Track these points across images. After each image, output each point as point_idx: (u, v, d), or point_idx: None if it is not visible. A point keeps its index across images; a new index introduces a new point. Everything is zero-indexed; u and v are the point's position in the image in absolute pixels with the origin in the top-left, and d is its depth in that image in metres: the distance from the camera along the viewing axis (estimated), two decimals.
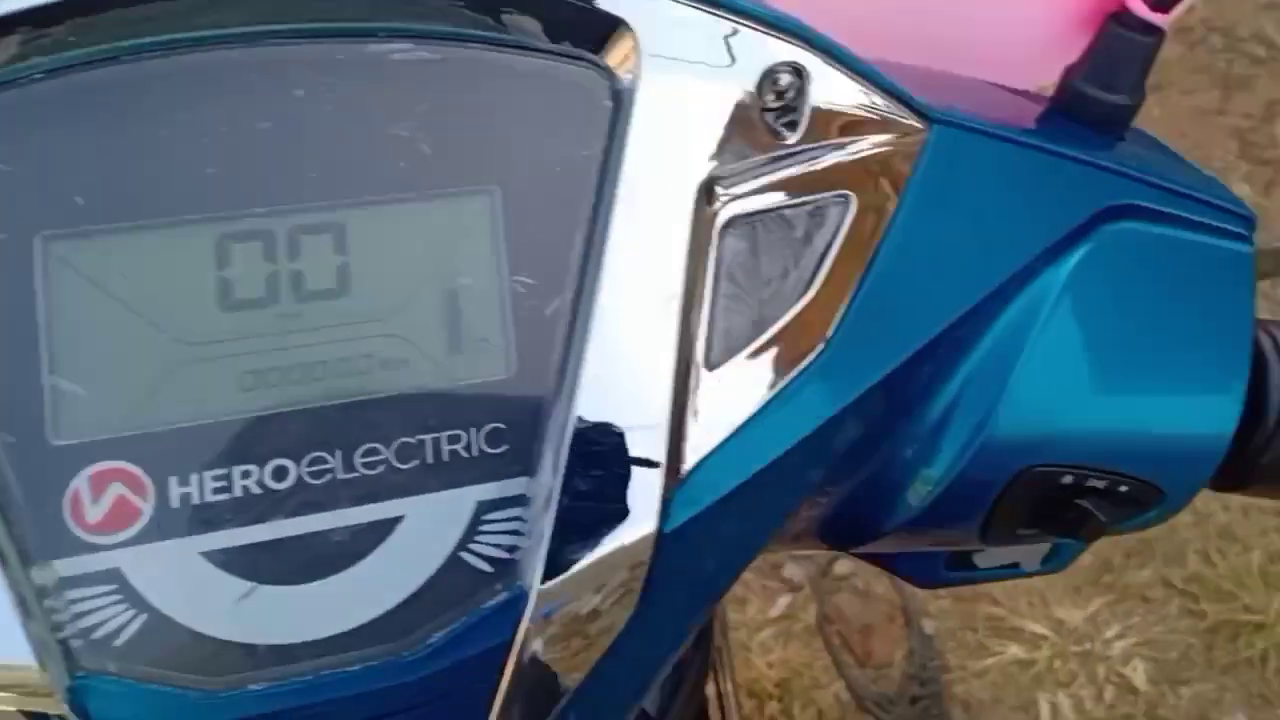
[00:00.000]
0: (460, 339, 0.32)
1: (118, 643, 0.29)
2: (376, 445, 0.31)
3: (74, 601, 0.29)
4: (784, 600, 1.72)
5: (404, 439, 0.32)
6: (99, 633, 0.29)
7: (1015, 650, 1.62)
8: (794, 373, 0.34)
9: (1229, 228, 0.38)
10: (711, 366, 0.33)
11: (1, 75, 0.29)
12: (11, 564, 0.28)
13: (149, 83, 0.30)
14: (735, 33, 0.33)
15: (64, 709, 0.28)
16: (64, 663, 0.29)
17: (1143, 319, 0.37)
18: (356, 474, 0.31)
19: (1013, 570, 0.44)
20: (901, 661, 1.65)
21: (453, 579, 0.32)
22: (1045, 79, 0.39)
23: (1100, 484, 0.38)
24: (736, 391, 0.33)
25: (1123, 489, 0.38)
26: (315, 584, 0.31)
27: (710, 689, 1.04)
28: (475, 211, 0.32)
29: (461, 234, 0.32)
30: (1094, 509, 0.38)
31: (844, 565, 1.74)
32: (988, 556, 0.44)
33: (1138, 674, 1.59)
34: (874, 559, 0.43)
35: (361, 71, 0.32)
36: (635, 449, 0.32)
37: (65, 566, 0.29)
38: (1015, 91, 0.41)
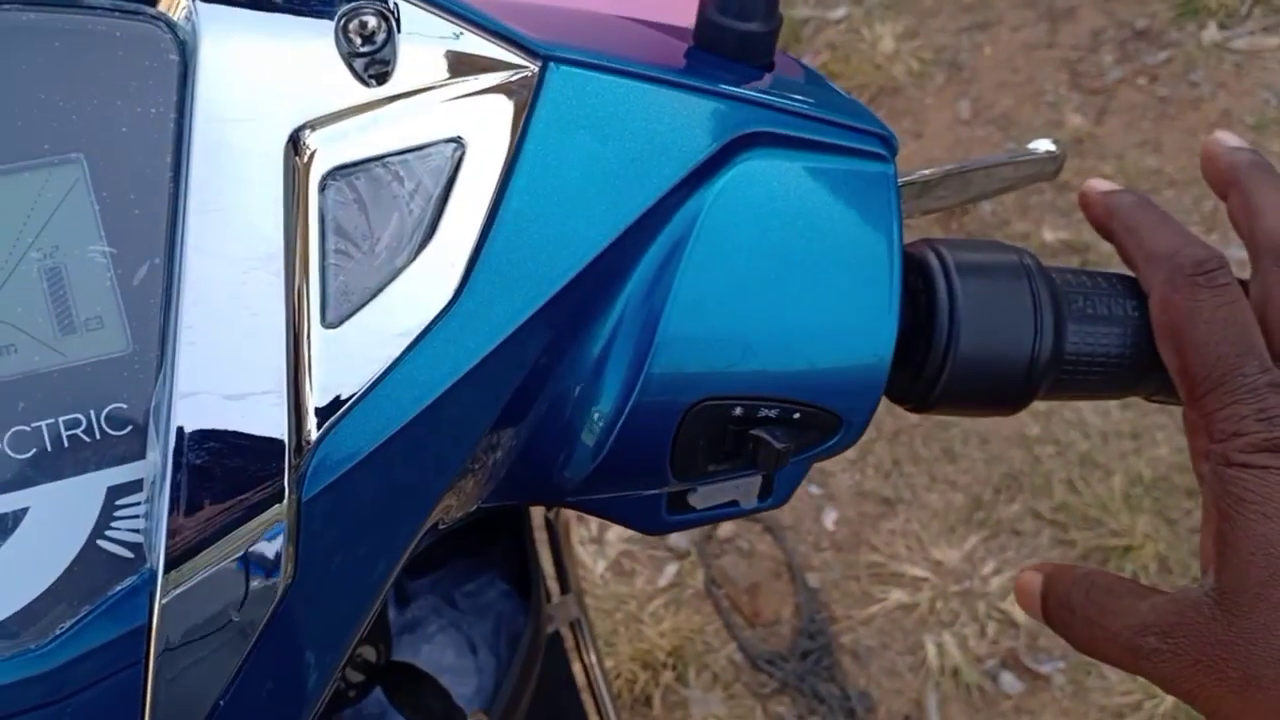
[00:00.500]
0: (71, 318, 0.31)
1: None
2: None
3: None
4: (671, 569, 1.73)
5: (19, 427, 0.31)
6: None
7: (898, 595, 1.66)
8: (425, 325, 0.33)
9: (870, 149, 0.38)
10: (330, 325, 0.32)
11: None
12: None
13: None
14: None
15: None
16: None
17: (789, 246, 0.37)
18: None
19: (733, 509, 0.44)
20: (790, 618, 1.68)
21: (93, 568, 0.31)
22: (688, 15, 0.40)
23: (772, 413, 0.38)
24: (363, 349, 0.33)
25: (796, 416, 0.39)
26: None
27: (576, 666, 1.04)
28: (65, 181, 0.31)
29: (54, 206, 0.31)
30: (770, 438, 0.38)
31: (727, 528, 1.75)
32: (702, 497, 0.44)
33: (1016, 608, 1.64)
34: (590, 509, 0.43)
35: None
36: (251, 416, 0.31)
37: None
38: (660, 28, 0.41)
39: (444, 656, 0.74)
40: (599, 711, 0.99)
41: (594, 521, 1.73)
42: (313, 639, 0.34)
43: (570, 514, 1.11)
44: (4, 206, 0.31)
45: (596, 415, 0.37)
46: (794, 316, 0.38)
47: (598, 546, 1.75)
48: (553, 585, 0.97)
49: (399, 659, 0.62)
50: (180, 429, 0.30)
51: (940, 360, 0.40)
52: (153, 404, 0.31)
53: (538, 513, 0.91)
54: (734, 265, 0.37)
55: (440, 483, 0.35)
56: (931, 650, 1.60)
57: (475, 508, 0.40)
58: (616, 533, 1.75)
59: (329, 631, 0.34)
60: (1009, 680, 1.58)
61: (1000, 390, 0.41)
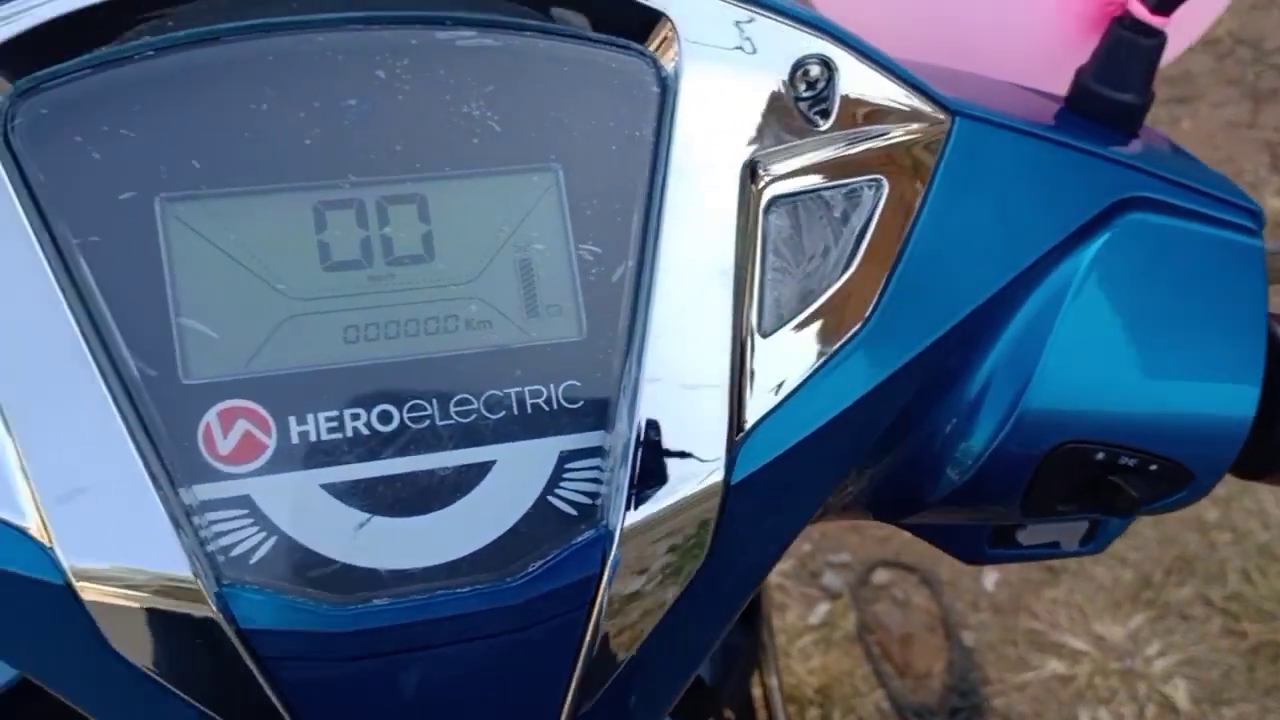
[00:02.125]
0: (536, 303, 0.36)
1: (252, 560, 0.33)
2: (468, 396, 0.35)
3: (214, 522, 0.33)
4: (823, 608, 1.74)
5: (492, 391, 0.36)
6: (236, 551, 0.33)
7: (1055, 665, 1.64)
8: (841, 342, 0.37)
9: (1238, 221, 0.41)
10: (764, 334, 0.37)
11: (119, 52, 0.34)
12: (164, 486, 0.32)
13: (248, 61, 0.34)
14: (767, 26, 0.37)
15: (215, 615, 0.32)
16: (212, 573, 0.33)
17: (1161, 305, 0.40)
18: (452, 421, 0.35)
19: (1053, 549, 0.47)
20: (941, 673, 1.67)
21: (541, 519, 0.35)
22: (1058, 80, 0.43)
23: (1131, 462, 0.41)
24: (788, 358, 0.37)
25: (1153, 468, 0.41)
26: (421, 518, 0.35)
27: (756, 691, 1.08)
28: (542, 186, 0.36)
29: (530, 207, 0.36)
30: (1126, 485, 0.41)
31: (883, 575, 1.76)
32: (1030, 534, 0.46)
33: (1179, 693, 1.60)
34: (919, 531, 0.46)
35: (432, 55, 0.36)
36: (700, 406, 0.35)
37: (203, 491, 0.33)
38: (1031, 90, 0.44)
39: None
40: None
41: None
42: (707, 616, 0.38)
43: None
44: (488, 203, 0.36)
45: (964, 450, 0.41)
46: (1163, 371, 0.40)
47: None
48: None
49: None
50: (642, 409, 0.35)
51: None
52: (621, 385, 0.36)
53: None
54: (1109, 317, 0.40)
55: (830, 484, 0.38)
56: None
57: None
58: None
59: (720, 611, 0.38)
60: None
61: None
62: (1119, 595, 1.69)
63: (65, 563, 0.32)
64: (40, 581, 0.32)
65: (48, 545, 0.32)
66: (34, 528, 0.32)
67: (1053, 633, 1.66)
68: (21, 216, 0.32)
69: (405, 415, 0.35)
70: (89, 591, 0.32)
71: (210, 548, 0.33)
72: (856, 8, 0.38)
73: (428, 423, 0.35)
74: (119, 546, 0.32)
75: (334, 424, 0.35)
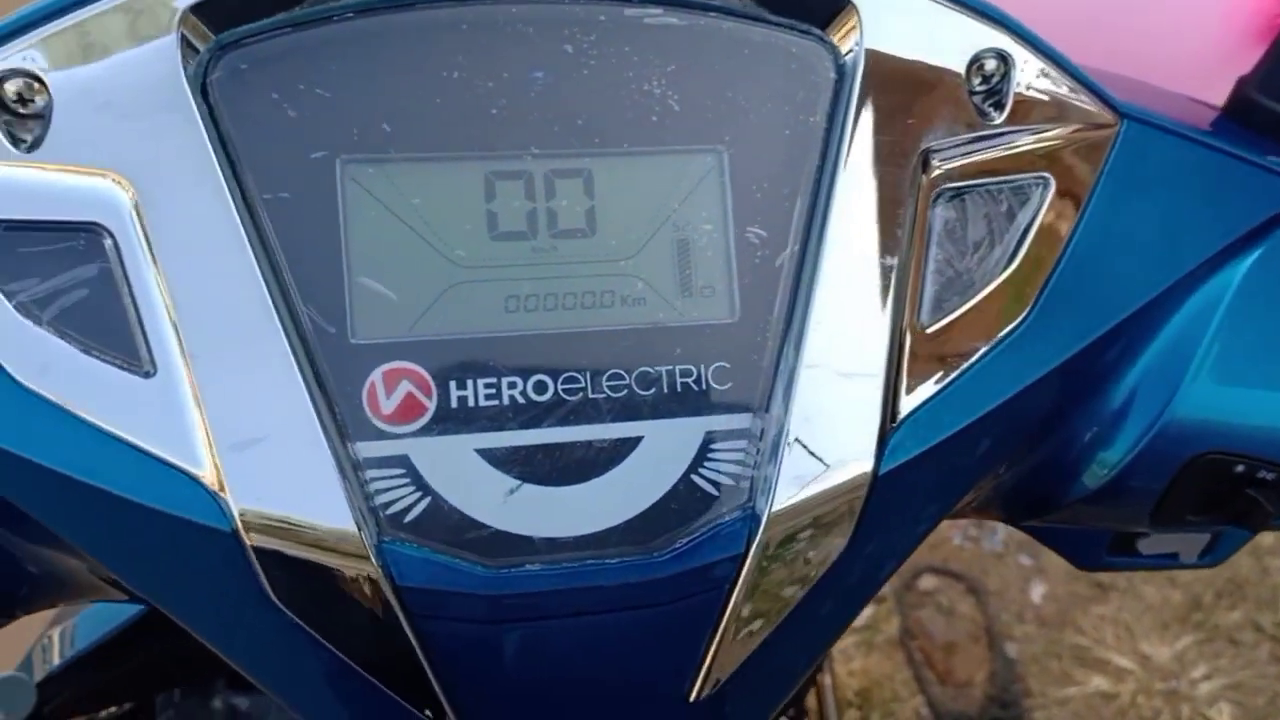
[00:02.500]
0: (690, 283, 0.36)
1: (406, 519, 0.34)
2: (620, 371, 0.36)
3: (373, 480, 0.34)
4: (866, 610, 1.74)
5: (644, 368, 0.36)
6: (392, 509, 0.34)
7: (1099, 682, 1.63)
8: (998, 338, 0.37)
9: None
10: (924, 326, 0.37)
11: (320, 12, 0.34)
12: (334, 441, 0.33)
13: (443, 28, 0.35)
14: (948, 18, 0.37)
15: (374, 570, 0.33)
16: (374, 529, 0.33)
17: None
18: (604, 395, 0.36)
19: (1171, 560, 0.47)
20: (982, 682, 1.66)
21: (685, 496, 0.36)
22: (1212, 89, 0.43)
23: (1269, 476, 0.41)
24: (945, 351, 0.37)
25: None
26: (570, 488, 0.35)
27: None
28: (706, 167, 0.36)
29: (692, 188, 0.36)
30: (1263, 499, 0.40)
31: (929, 581, 1.75)
32: (1151, 543, 0.46)
33: (1223, 717, 1.59)
34: (1037, 534, 0.46)
35: (620, 32, 0.36)
36: (855, 395, 0.35)
37: (365, 449, 0.34)
38: (1189, 98, 0.44)
39: None
40: None
41: None
42: (838, 605, 0.38)
43: None
44: (651, 181, 0.36)
45: (1103, 457, 0.40)
46: None
47: None
48: None
49: None
50: (799, 394, 0.35)
51: None
52: (776, 370, 0.36)
53: None
54: (1261, 329, 0.40)
55: (972, 481, 0.38)
56: None
57: None
58: None
59: (850, 601, 0.38)
60: None
61: None
62: (1167, 616, 1.67)
63: (235, 509, 0.32)
64: (207, 528, 0.32)
65: (219, 492, 0.32)
66: (207, 475, 0.32)
67: (1098, 649, 1.65)
68: (217, 169, 0.32)
69: (560, 386, 0.35)
70: (254, 538, 0.32)
71: (372, 504, 0.34)
72: (1020, 6, 0.38)
73: (581, 395, 0.35)
74: (288, 496, 0.32)
75: (491, 391, 0.35)
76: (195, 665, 0.72)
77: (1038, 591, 1.73)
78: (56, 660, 0.68)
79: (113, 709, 0.72)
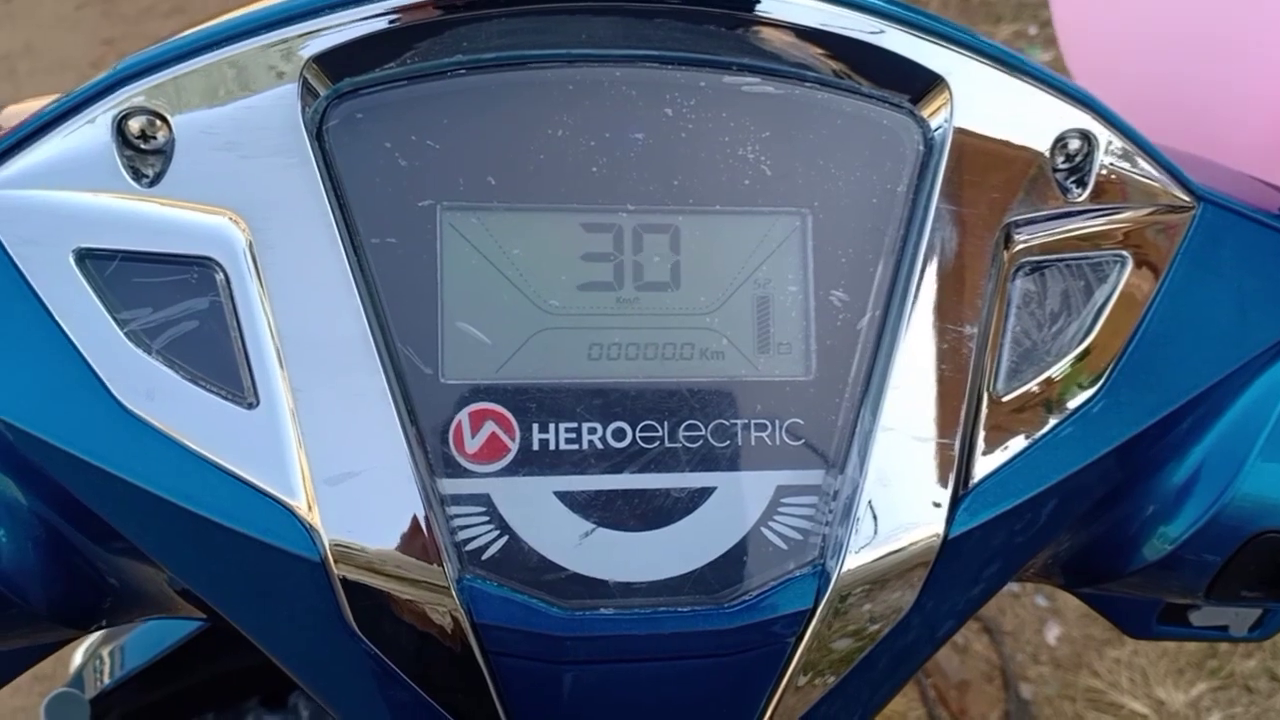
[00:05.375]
0: (768, 340, 0.37)
1: (485, 556, 0.35)
2: (696, 422, 0.37)
3: (455, 516, 0.35)
4: None
5: (719, 420, 0.37)
6: (471, 545, 0.35)
7: None
8: (1070, 411, 0.38)
9: None
10: (998, 395, 0.37)
11: (434, 67, 0.35)
12: (424, 478, 0.34)
13: (551, 87, 0.36)
14: (1034, 97, 0.38)
15: (454, 605, 0.34)
16: (456, 566, 0.34)
17: None
18: (679, 445, 0.37)
19: (1221, 633, 0.47)
20: None
21: (754, 549, 0.37)
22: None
23: None
24: (1019, 421, 0.38)
25: None
26: (642, 534, 0.36)
27: None
28: (790, 228, 0.37)
29: (774, 248, 0.37)
30: None
31: None
32: (1203, 615, 0.47)
33: None
34: (1089, 600, 0.47)
35: (718, 98, 0.37)
36: (930, 459, 0.36)
37: (449, 486, 0.35)
38: (1261, 181, 0.45)
39: None
40: None
41: None
42: (898, 662, 0.39)
43: None
44: (736, 239, 0.37)
45: (1164, 533, 0.41)
46: None
47: None
48: None
49: None
50: (874, 455, 0.36)
51: None
52: (853, 431, 0.37)
53: None
54: None
55: (1036, 548, 0.39)
56: None
57: None
58: None
59: (910, 659, 0.39)
60: None
61: None
62: (1183, 662, 1.67)
63: (326, 540, 0.33)
64: (298, 557, 0.34)
65: (311, 524, 0.33)
66: (301, 506, 0.33)
67: (1112, 692, 1.65)
68: (329, 211, 0.34)
69: (638, 434, 0.36)
70: (341, 569, 0.34)
71: (453, 540, 0.35)
72: (1100, 87, 0.39)
73: (658, 444, 0.37)
74: (377, 531, 0.34)
75: (572, 435, 0.36)
76: (234, 686, 0.74)
77: (1053, 633, 1.73)
78: (108, 679, 0.70)
79: None
